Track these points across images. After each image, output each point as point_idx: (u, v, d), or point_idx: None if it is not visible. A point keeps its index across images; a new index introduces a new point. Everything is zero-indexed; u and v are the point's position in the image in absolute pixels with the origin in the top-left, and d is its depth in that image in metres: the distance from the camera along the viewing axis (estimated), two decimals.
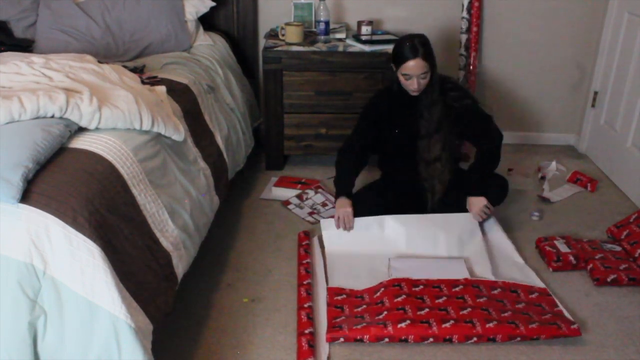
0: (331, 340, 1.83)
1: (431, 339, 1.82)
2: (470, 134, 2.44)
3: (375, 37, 2.93)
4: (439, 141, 2.37)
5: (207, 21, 3.06)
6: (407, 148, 2.44)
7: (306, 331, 1.84)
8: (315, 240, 2.40)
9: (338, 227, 2.34)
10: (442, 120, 2.35)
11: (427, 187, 2.43)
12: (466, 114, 2.37)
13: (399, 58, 2.27)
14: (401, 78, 2.30)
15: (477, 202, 2.36)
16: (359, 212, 2.37)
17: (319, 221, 2.56)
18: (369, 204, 2.42)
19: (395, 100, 2.42)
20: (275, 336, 1.87)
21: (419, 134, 2.39)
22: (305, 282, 2.09)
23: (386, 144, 2.51)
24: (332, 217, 2.38)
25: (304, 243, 2.34)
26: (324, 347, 1.81)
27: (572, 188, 2.94)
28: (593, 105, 3.29)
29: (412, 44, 2.24)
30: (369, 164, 2.58)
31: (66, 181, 1.39)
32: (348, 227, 2.34)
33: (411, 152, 2.44)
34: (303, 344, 1.79)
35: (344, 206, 2.35)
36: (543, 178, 3.03)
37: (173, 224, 1.72)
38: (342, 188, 2.43)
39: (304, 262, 2.21)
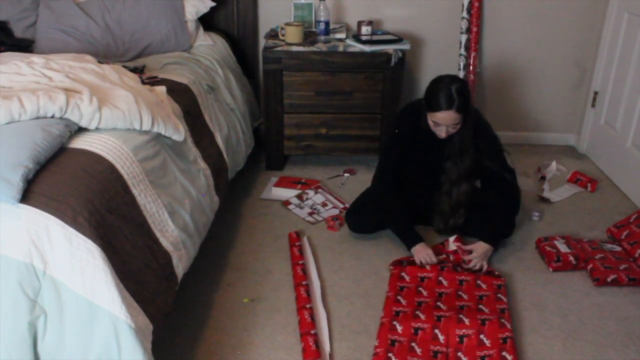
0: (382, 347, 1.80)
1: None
2: (485, 177, 2.35)
3: (375, 37, 2.93)
4: (465, 188, 2.29)
5: (207, 21, 3.06)
6: (425, 181, 2.38)
7: (312, 331, 1.84)
8: (306, 240, 2.40)
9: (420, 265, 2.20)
10: (472, 167, 2.26)
11: (438, 208, 2.37)
12: (486, 156, 2.27)
13: (430, 103, 2.12)
14: (429, 122, 2.17)
15: (484, 250, 2.21)
16: (364, 221, 2.41)
17: (319, 221, 2.57)
18: (374, 215, 2.40)
19: (420, 134, 2.27)
20: (275, 336, 1.88)
21: (444, 177, 2.30)
22: (303, 283, 2.09)
23: (403, 173, 2.39)
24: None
25: (296, 243, 2.34)
26: (326, 347, 1.81)
27: (572, 188, 2.94)
28: (593, 105, 3.29)
29: (449, 93, 2.06)
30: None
31: (66, 181, 1.39)
32: (431, 264, 2.19)
33: (429, 185, 2.38)
34: (311, 344, 1.78)
35: (424, 250, 2.21)
36: (543, 178, 3.03)
37: (173, 224, 1.72)
38: (410, 235, 2.27)
39: (300, 262, 2.21)
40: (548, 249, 2.30)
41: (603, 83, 3.18)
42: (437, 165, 2.33)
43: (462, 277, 2.14)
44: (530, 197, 2.82)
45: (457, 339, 1.83)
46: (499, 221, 2.31)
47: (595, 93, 3.26)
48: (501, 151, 2.34)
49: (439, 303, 2.00)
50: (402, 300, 2.02)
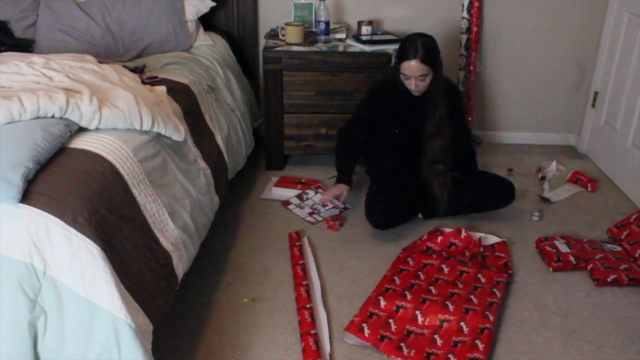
0: (348, 330, 1.86)
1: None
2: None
3: (375, 37, 2.93)
4: (443, 142, 2.39)
5: (207, 21, 3.06)
6: (405, 148, 2.44)
7: (312, 331, 1.84)
8: (306, 240, 2.40)
9: (323, 203, 2.51)
10: (446, 121, 2.36)
11: (433, 192, 2.45)
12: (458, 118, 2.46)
13: (399, 56, 2.29)
14: (401, 76, 2.31)
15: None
16: (390, 216, 2.45)
17: (319, 221, 2.57)
18: (389, 209, 2.44)
19: (397, 97, 2.42)
20: (275, 336, 1.87)
21: (423, 133, 2.39)
22: (303, 283, 2.09)
23: (383, 141, 2.52)
24: None
25: (296, 244, 2.34)
26: (326, 347, 1.81)
27: (572, 188, 2.94)
28: (593, 105, 3.29)
29: (414, 46, 2.22)
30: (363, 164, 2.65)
31: (66, 181, 1.39)
32: (342, 202, 2.48)
33: (409, 152, 2.44)
34: (311, 344, 1.79)
35: (340, 188, 2.50)
36: (543, 178, 3.03)
37: (173, 224, 1.72)
38: (342, 173, 2.54)
39: (300, 262, 2.21)
40: (548, 249, 2.31)
41: (603, 83, 3.18)
42: (416, 127, 2.43)
43: (465, 268, 2.17)
44: (530, 197, 2.82)
45: (438, 323, 1.89)
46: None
47: (595, 93, 3.26)
48: (467, 126, 2.65)
49: (431, 287, 2.07)
50: (396, 279, 2.10)
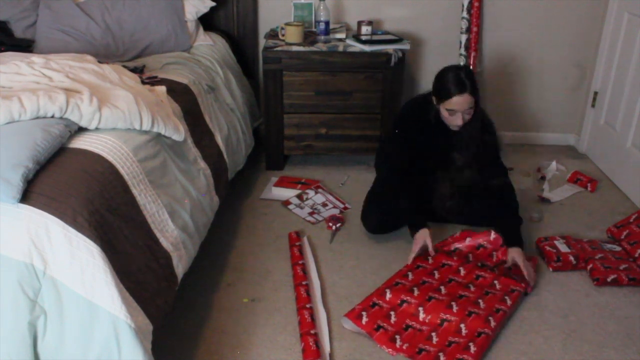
0: (347, 316, 1.88)
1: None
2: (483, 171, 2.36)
3: (375, 37, 2.93)
4: (468, 175, 2.32)
5: (207, 21, 3.06)
6: (433, 174, 2.40)
7: (312, 331, 1.84)
8: (306, 240, 2.40)
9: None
10: (478, 155, 2.28)
11: (438, 193, 2.41)
12: (487, 154, 2.32)
13: (442, 92, 2.14)
14: (444, 112, 2.17)
15: (519, 253, 2.15)
16: (374, 222, 2.42)
17: (319, 221, 2.57)
18: (384, 214, 2.41)
19: (431, 128, 2.28)
20: (275, 336, 1.87)
21: (451, 164, 2.32)
22: (303, 283, 2.09)
23: (411, 166, 2.38)
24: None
25: (296, 244, 2.34)
26: (326, 347, 1.81)
27: (572, 188, 2.94)
28: (593, 105, 3.29)
29: (459, 78, 2.10)
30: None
31: (66, 181, 1.39)
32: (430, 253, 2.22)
33: (435, 178, 2.40)
34: (311, 344, 1.79)
35: (422, 237, 2.21)
36: (543, 178, 3.03)
37: (173, 224, 1.72)
38: (413, 221, 2.28)
39: (300, 262, 2.21)
40: (548, 248, 2.30)
41: (603, 83, 3.18)
42: (444, 158, 2.34)
43: (482, 273, 2.15)
44: (530, 197, 2.82)
45: (438, 322, 1.90)
46: (510, 220, 2.28)
47: (595, 93, 3.26)
48: (499, 148, 2.39)
49: (441, 287, 2.06)
50: (410, 275, 2.10)
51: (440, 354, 1.77)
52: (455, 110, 2.14)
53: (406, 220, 2.33)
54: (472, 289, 2.06)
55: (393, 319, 1.90)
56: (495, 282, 2.10)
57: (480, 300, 2.00)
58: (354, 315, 1.89)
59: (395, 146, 2.38)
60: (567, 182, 3.01)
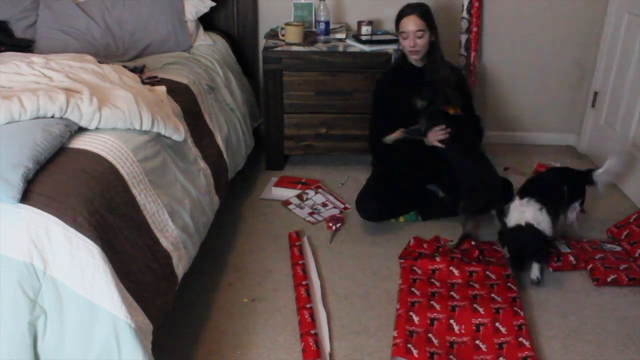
0: (396, 355, 1.78)
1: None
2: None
3: (375, 37, 2.93)
4: (446, 72, 2.52)
5: (207, 21, 3.06)
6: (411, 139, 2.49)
7: (312, 331, 1.84)
8: (306, 240, 2.40)
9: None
10: (448, 76, 2.49)
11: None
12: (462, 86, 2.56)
13: (397, 17, 2.44)
14: (401, 41, 2.45)
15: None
16: (369, 210, 2.47)
17: (319, 221, 2.57)
18: (378, 203, 2.48)
19: (401, 78, 2.51)
20: (275, 336, 1.87)
21: (426, 79, 2.50)
22: (303, 283, 2.09)
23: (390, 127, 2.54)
24: None
25: (296, 243, 2.34)
26: (326, 347, 1.81)
27: None
28: (593, 105, 3.29)
29: (410, 4, 2.43)
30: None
31: (66, 181, 1.39)
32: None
33: (414, 148, 2.47)
34: (311, 344, 1.79)
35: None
36: None
37: (173, 224, 1.72)
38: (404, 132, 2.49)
39: (300, 262, 2.21)
40: None
41: (603, 83, 3.18)
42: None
43: (472, 268, 2.18)
44: None
45: (474, 328, 1.89)
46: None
47: (595, 93, 3.26)
48: (472, 98, 2.66)
49: (452, 293, 2.06)
50: (416, 291, 2.06)
51: (501, 359, 1.77)
52: (407, 32, 2.41)
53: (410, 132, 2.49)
54: (477, 286, 2.09)
55: (435, 340, 1.83)
56: (488, 272, 2.16)
57: (493, 295, 2.03)
58: (403, 351, 1.77)
59: (378, 112, 2.59)
60: (533, 175, 3.02)
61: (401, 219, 2.57)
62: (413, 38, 2.41)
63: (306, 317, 1.91)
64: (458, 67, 2.67)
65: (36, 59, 1.87)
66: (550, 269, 2.25)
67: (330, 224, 2.51)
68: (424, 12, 2.42)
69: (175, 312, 1.85)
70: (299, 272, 2.16)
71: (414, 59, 2.49)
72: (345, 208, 2.69)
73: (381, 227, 2.51)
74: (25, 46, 2.52)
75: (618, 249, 2.34)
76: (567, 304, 2.06)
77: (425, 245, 2.34)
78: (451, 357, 1.78)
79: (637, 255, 2.25)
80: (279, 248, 2.36)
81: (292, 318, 1.95)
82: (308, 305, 1.97)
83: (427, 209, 2.58)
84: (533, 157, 3.30)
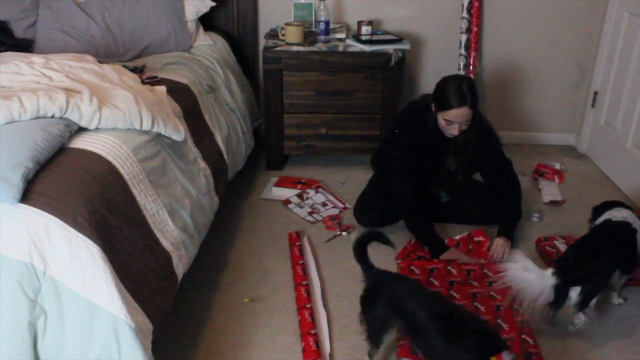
0: (402, 356, 1.77)
1: None
2: (487, 171, 2.44)
3: (375, 37, 2.93)
4: (460, 178, 2.39)
5: (207, 21, 3.06)
6: (424, 175, 2.42)
7: (312, 331, 1.84)
8: (306, 240, 2.40)
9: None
10: (471, 162, 2.34)
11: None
12: (490, 155, 2.36)
13: (443, 102, 2.15)
14: (441, 121, 2.19)
15: (502, 243, 2.28)
16: (367, 217, 2.45)
17: (319, 221, 2.57)
18: (376, 210, 2.46)
19: (427, 132, 2.28)
20: (275, 336, 1.87)
21: (444, 169, 2.37)
22: (304, 283, 2.09)
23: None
24: None
25: (296, 243, 2.34)
26: (326, 347, 1.81)
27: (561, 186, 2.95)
28: (593, 105, 3.29)
29: (460, 90, 2.10)
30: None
31: (66, 181, 1.39)
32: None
33: (428, 178, 2.44)
34: (311, 344, 1.79)
35: (452, 253, 2.26)
36: (536, 178, 3.03)
37: (173, 224, 1.72)
38: (435, 242, 2.29)
39: (300, 262, 2.21)
40: (548, 249, 2.30)
41: (603, 83, 3.18)
42: (439, 162, 2.37)
43: (469, 267, 2.19)
44: (529, 197, 2.82)
45: None
46: (508, 212, 2.39)
47: (595, 93, 3.26)
48: (501, 146, 2.42)
49: (451, 292, 2.06)
50: None
51: None
52: (453, 121, 2.15)
53: (426, 241, 2.32)
54: (476, 284, 2.10)
55: None
56: (485, 270, 2.17)
57: (492, 293, 2.04)
58: (408, 352, 1.76)
59: (401, 150, 2.34)
60: (533, 176, 3.02)
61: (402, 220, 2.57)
62: (459, 127, 2.16)
63: (306, 317, 1.91)
64: (488, 127, 2.37)
65: (36, 59, 1.87)
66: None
67: (338, 230, 2.50)
68: (474, 101, 2.11)
69: (175, 312, 1.85)
70: (299, 272, 2.16)
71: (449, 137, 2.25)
72: (345, 208, 2.69)
73: (381, 228, 2.51)
74: (25, 46, 2.52)
75: None
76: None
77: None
78: None
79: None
80: (279, 248, 2.36)
81: (292, 318, 1.95)
82: (308, 305, 1.97)
83: (428, 211, 2.55)
84: (533, 157, 3.30)
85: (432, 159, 2.36)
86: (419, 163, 2.35)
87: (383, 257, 2.30)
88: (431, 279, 2.14)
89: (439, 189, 2.51)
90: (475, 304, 1.98)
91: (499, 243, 2.28)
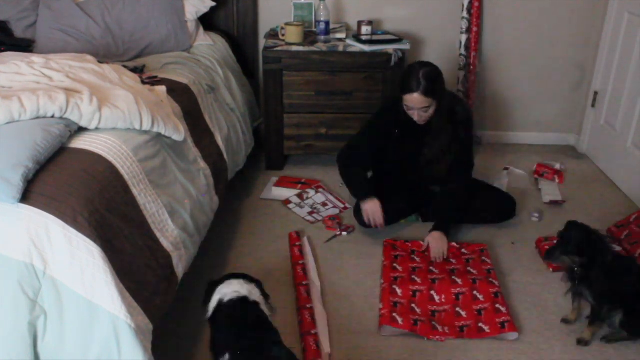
0: (383, 323, 1.90)
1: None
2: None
3: (375, 37, 2.93)
4: (442, 167, 2.40)
5: (207, 21, 3.05)
6: (406, 165, 2.46)
7: (312, 331, 1.84)
8: (306, 240, 2.40)
9: (368, 224, 2.37)
10: (447, 148, 2.35)
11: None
12: (460, 148, 2.39)
13: (402, 86, 2.22)
14: (404, 107, 2.26)
15: (437, 238, 2.28)
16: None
17: (319, 221, 2.57)
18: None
19: (403, 121, 2.34)
20: None
21: (422, 159, 2.40)
22: (304, 283, 2.09)
23: (385, 158, 2.49)
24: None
25: (296, 243, 2.34)
26: (326, 347, 1.81)
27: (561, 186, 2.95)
28: (593, 105, 3.29)
29: (416, 77, 2.15)
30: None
31: (66, 181, 1.39)
32: (379, 224, 2.36)
33: (410, 168, 2.46)
34: (311, 344, 1.79)
35: (372, 202, 2.36)
36: (537, 178, 3.03)
37: (173, 224, 1.72)
38: (362, 189, 2.43)
39: (300, 262, 2.21)
40: (548, 248, 2.30)
41: (603, 83, 3.18)
42: (417, 154, 2.41)
43: (452, 266, 2.26)
44: (529, 197, 2.82)
45: (454, 297, 2.03)
46: (447, 209, 2.41)
47: (595, 93, 3.26)
48: (472, 144, 2.50)
49: (431, 268, 2.19)
50: (398, 267, 2.19)
51: (481, 325, 1.89)
52: (410, 107, 2.23)
53: (355, 188, 2.47)
54: (454, 261, 2.23)
55: (417, 309, 1.97)
56: (463, 249, 2.31)
57: (469, 268, 2.17)
58: (388, 320, 1.91)
59: (364, 140, 2.48)
60: (533, 176, 3.03)
61: (401, 220, 2.57)
62: (417, 113, 2.23)
63: (306, 317, 1.91)
64: (466, 115, 2.41)
65: (36, 58, 1.87)
66: (551, 269, 2.25)
67: (338, 230, 2.50)
68: (427, 89, 2.15)
69: (175, 312, 1.85)
70: (299, 272, 2.16)
71: (419, 124, 2.32)
72: (345, 208, 2.69)
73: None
74: (25, 46, 2.52)
75: (618, 248, 2.34)
76: (567, 304, 2.06)
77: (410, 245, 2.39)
78: (434, 323, 1.90)
79: (637, 255, 2.25)
80: (279, 248, 2.36)
81: (292, 318, 1.95)
82: (308, 305, 1.97)
83: (427, 210, 2.57)
84: (533, 157, 3.30)
85: (410, 148, 2.40)
86: (395, 154, 2.43)
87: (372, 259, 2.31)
88: (413, 257, 2.26)
89: (423, 181, 2.52)
90: (453, 277, 2.12)
91: (435, 237, 2.28)
